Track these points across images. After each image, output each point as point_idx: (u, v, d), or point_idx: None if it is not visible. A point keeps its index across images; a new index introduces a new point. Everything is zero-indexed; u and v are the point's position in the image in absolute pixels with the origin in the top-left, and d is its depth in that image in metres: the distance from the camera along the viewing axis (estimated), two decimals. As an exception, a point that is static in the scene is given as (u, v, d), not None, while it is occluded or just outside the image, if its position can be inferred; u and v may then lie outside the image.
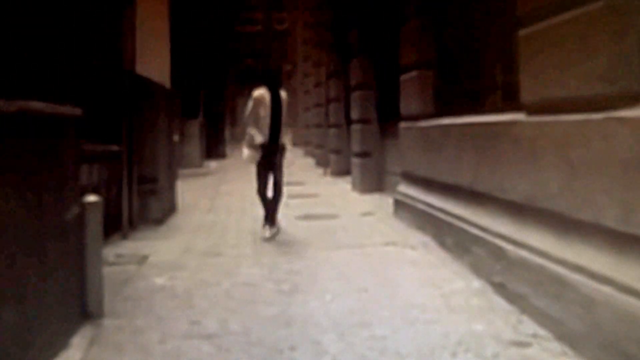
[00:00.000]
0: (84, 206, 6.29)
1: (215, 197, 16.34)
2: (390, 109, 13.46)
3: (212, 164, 28.47)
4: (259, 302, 6.83)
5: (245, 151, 10.79)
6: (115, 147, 10.36)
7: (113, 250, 9.18)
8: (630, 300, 4.63)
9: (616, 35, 5.07)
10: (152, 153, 11.66)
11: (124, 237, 10.34)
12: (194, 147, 26.76)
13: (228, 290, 7.32)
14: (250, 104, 10.65)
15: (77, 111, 6.06)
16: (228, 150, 35.19)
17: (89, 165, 8.98)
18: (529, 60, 6.49)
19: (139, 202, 11.12)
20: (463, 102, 9.23)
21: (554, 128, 5.87)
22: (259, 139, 10.49)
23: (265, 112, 10.52)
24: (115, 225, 10.15)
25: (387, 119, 14.83)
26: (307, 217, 12.40)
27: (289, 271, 8.08)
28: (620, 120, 4.88)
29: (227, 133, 39.54)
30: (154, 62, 12.38)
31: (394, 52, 12.14)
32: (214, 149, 32.09)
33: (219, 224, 11.94)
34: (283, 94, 10.78)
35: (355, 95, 16.80)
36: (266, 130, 10.54)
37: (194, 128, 27.04)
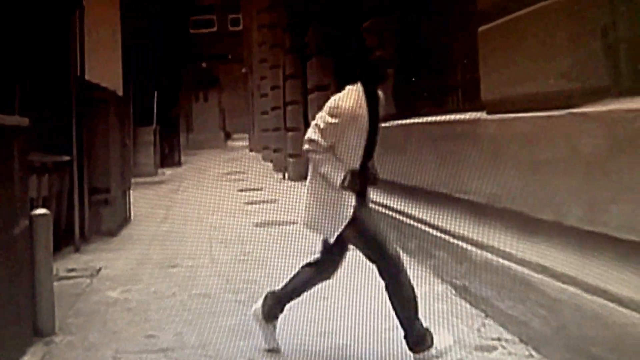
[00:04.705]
0: (33, 219, 6.14)
1: (170, 207, 16.13)
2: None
3: (167, 172, 28.24)
4: (216, 313, 6.73)
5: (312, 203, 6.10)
6: (65, 157, 10.14)
7: (64, 264, 9.01)
8: (595, 299, 4.58)
9: (578, 29, 4.99)
10: (104, 162, 11.46)
11: (76, 250, 10.16)
12: (148, 155, 26.47)
13: (184, 302, 7.23)
14: (331, 118, 5.48)
15: (24, 121, 5.96)
16: (183, 157, 34.97)
17: (38, 176, 8.78)
18: (489, 57, 6.42)
19: (91, 214, 10.93)
20: (424, 101, 9.14)
21: (515, 126, 5.80)
22: (339, 177, 5.53)
23: (358, 136, 5.54)
24: (67, 238, 9.96)
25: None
26: (265, 223, 12.22)
27: (247, 280, 7.95)
28: (583, 116, 4.80)
29: (183, 140, 39.29)
30: (105, 68, 12.19)
31: (354, 51, 12.02)
32: (168, 156, 31.82)
33: (174, 234, 11.74)
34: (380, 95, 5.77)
35: (314, 97, 16.67)
36: (354, 164, 5.58)
37: (148, 135, 26.74)
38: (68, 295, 7.35)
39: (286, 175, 21.19)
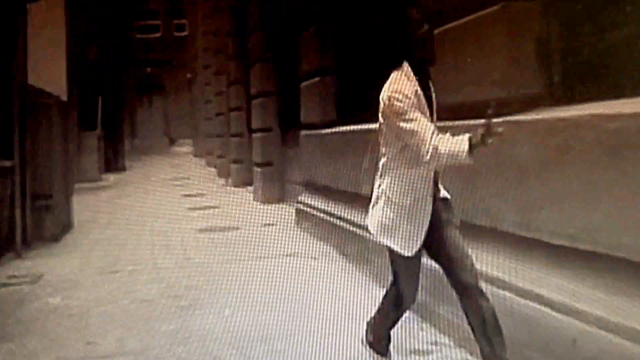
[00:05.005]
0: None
1: (113, 212, 15.99)
2: (293, 116, 13.39)
3: (111, 178, 27.99)
4: (157, 318, 6.70)
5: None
6: (6, 163, 10.02)
7: (5, 271, 8.92)
8: (529, 304, 4.68)
9: (512, 40, 5.09)
10: (47, 168, 11.34)
11: (18, 256, 10.02)
12: (92, 160, 26.19)
13: (125, 308, 7.18)
14: (401, 115, 4.54)
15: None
16: (128, 163, 34.68)
17: (-22, 182, 8.67)
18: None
19: (33, 219, 10.80)
20: (364, 108, 9.20)
21: (453, 133, 5.85)
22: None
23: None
24: (8, 244, 9.85)
25: (290, 127, 14.74)
26: (207, 229, 12.22)
27: (188, 286, 7.94)
28: (517, 124, 4.87)
29: (127, 145, 38.98)
30: (49, 73, 12.11)
31: (297, 58, 12.06)
32: (113, 162, 31.53)
33: (117, 240, 11.66)
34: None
35: (256, 103, 16.68)
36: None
37: (92, 140, 26.49)
38: (8, 303, 7.28)
39: (229, 181, 21.16)
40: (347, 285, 7.56)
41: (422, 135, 4.36)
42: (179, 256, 9.95)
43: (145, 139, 45.24)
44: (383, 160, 4.85)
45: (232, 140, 21.09)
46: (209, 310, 6.88)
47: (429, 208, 4.64)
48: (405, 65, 4.65)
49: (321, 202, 10.31)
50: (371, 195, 5.00)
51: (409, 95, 4.48)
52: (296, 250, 9.61)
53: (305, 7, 11.28)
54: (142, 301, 7.40)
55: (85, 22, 24.53)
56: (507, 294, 4.89)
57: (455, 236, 4.72)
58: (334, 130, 9.79)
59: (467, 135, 4.23)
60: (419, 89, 4.56)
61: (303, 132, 11.57)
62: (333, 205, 9.63)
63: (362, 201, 8.25)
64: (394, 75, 4.67)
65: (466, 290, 4.60)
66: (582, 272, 4.48)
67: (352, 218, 8.62)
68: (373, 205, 5.09)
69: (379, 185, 4.95)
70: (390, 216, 4.82)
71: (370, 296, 7.08)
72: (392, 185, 4.77)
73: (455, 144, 4.27)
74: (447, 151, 4.27)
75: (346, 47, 9.94)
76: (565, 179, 4.54)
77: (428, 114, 4.57)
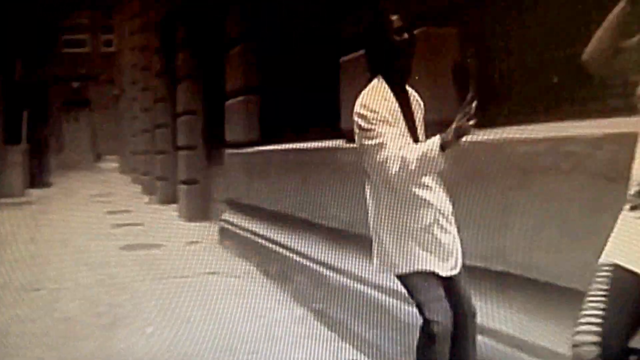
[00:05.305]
0: None
1: (36, 228, 15.78)
2: (218, 135, 13.40)
3: (36, 193, 27.56)
4: (77, 337, 6.66)
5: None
6: None
7: None
8: None
9: (431, 64, 5.20)
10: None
11: (-64, 272, 9.84)
12: (16, 174, 25.78)
13: (46, 326, 7.11)
14: (366, 132, 4.05)
15: None
16: (53, 178, 34.16)
17: None
18: (349, 87, 6.57)
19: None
20: (288, 128, 9.27)
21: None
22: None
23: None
24: None
25: (215, 145, 14.74)
26: (131, 247, 12.15)
27: (111, 304, 7.91)
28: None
29: (53, 160, 38.42)
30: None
31: (223, 76, 12.09)
32: (37, 177, 31.04)
33: (39, 257, 11.52)
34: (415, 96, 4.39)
35: (182, 121, 16.64)
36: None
37: (16, 155, 26.09)
38: None
39: (154, 198, 21.02)
40: (268, 304, 7.61)
41: (388, 148, 3.93)
42: (101, 274, 9.88)
43: (71, 155, 44.62)
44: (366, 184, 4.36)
45: (157, 157, 20.98)
46: (131, 329, 6.88)
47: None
48: (380, 78, 4.20)
49: (244, 221, 10.35)
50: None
51: (376, 110, 4.02)
52: (219, 269, 9.61)
53: (232, 26, 11.33)
54: (63, 319, 7.33)
55: (11, 35, 24.24)
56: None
57: None
58: (257, 149, 9.85)
59: (437, 136, 3.82)
60: (395, 104, 4.11)
61: (228, 151, 11.60)
62: (256, 224, 9.68)
63: (284, 220, 8.37)
64: (366, 89, 4.23)
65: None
66: (494, 293, 4.61)
67: (274, 237, 8.68)
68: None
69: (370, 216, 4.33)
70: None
71: (290, 314, 7.17)
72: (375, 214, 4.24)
73: (424, 146, 3.86)
74: (415, 156, 3.84)
75: (271, 66, 10.01)
76: (478, 201, 4.65)
77: (407, 132, 4.08)
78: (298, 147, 8.15)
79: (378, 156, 3.94)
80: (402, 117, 4.09)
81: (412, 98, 4.25)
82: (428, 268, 4.04)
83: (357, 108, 4.11)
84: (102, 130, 46.56)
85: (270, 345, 6.21)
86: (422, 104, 4.33)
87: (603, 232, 3.10)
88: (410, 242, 4.06)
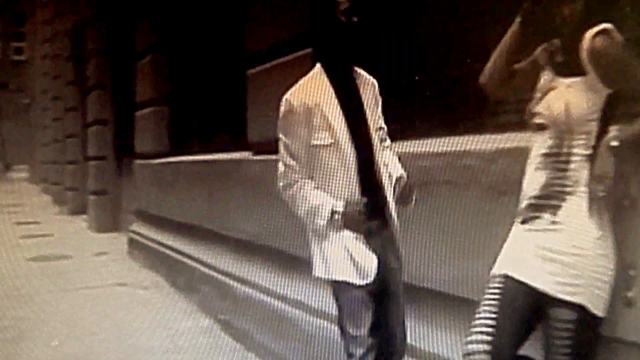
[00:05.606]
0: None
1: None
2: (128, 145, 13.30)
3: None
4: (-20, 352, 6.53)
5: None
6: None
7: None
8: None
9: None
10: None
11: None
12: None
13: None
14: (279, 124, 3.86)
15: None
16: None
17: None
18: (255, 100, 6.63)
19: None
20: (197, 139, 9.27)
21: (277, 167, 5.99)
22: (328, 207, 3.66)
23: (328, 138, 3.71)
24: None
25: (125, 155, 14.62)
26: (39, 258, 11.96)
27: (15, 317, 7.76)
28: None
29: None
30: None
31: (133, 86, 12.01)
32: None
33: None
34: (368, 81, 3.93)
35: (92, 131, 16.46)
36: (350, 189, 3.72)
37: None
38: None
39: (64, 209, 20.74)
40: (175, 315, 7.58)
41: (281, 160, 3.83)
42: (7, 286, 9.71)
43: (-21, 164, 43.79)
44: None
45: (67, 167, 20.71)
46: (36, 342, 6.76)
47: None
48: (319, 66, 3.82)
49: (153, 232, 10.30)
50: None
51: (294, 105, 3.70)
52: (127, 280, 9.56)
53: (142, 36, 11.27)
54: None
55: None
56: (326, 324, 4.98)
57: None
58: (166, 160, 9.82)
59: (329, 204, 3.61)
60: (332, 95, 3.71)
61: (137, 162, 11.53)
62: (164, 235, 9.65)
63: (192, 231, 8.36)
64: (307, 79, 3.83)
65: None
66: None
67: (182, 248, 8.66)
68: None
69: None
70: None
71: (196, 325, 7.17)
72: None
73: (316, 201, 3.65)
74: (299, 199, 3.69)
75: (181, 77, 9.99)
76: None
77: (344, 129, 3.67)
78: (206, 158, 8.16)
79: (279, 157, 3.84)
80: (338, 107, 3.70)
81: (362, 82, 3.85)
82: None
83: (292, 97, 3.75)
84: (12, 139, 45.72)
85: (176, 356, 6.20)
86: (376, 85, 3.91)
87: (496, 244, 3.19)
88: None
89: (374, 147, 3.77)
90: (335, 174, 3.68)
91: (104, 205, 15.90)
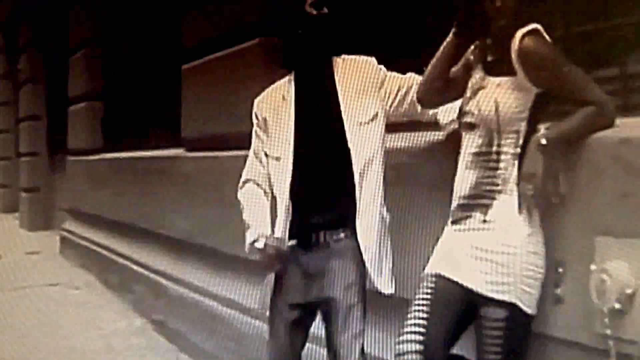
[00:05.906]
0: None
1: None
2: (61, 141, 13.08)
3: None
4: None
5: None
6: None
7: None
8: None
9: (267, 74, 5.20)
10: None
11: None
12: None
13: None
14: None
15: None
16: None
17: None
18: (190, 96, 6.56)
19: None
20: (132, 136, 9.15)
21: (209, 164, 5.93)
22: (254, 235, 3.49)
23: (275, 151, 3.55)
24: None
25: (58, 151, 14.38)
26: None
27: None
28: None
29: None
30: None
31: (67, 81, 11.82)
32: None
33: None
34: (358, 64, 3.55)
35: (25, 126, 16.19)
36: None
37: None
38: None
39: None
40: (108, 315, 7.51)
41: (246, 169, 3.74)
42: None
43: None
44: None
45: (-2, 163, 20.40)
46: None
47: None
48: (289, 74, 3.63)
49: (85, 230, 10.15)
50: None
51: (256, 112, 3.67)
52: (59, 280, 9.41)
53: (76, 30, 11.10)
54: None
55: None
56: (259, 323, 4.87)
57: None
58: (99, 157, 9.67)
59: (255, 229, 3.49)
60: (291, 105, 3.52)
61: (70, 158, 11.35)
62: (96, 233, 9.52)
63: (125, 229, 8.25)
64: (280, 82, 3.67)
65: None
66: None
67: (115, 247, 8.55)
68: None
69: None
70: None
71: (129, 325, 7.08)
72: None
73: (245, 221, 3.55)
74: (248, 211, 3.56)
75: (116, 72, 9.85)
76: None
77: (290, 146, 3.45)
78: (139, 155, 8.05)
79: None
80: (292, 121, 3.47)
81: (347, 72, 3.51)
82: None
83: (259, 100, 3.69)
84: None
85: (110, 357, 6.15)
86: (373, 64, 3.54)
87: (430, 243, 3.15)
88: None
89: (334, 155, 3.43)
90: (278, 191, 3.51)
91: (36, 203, 15.64)
